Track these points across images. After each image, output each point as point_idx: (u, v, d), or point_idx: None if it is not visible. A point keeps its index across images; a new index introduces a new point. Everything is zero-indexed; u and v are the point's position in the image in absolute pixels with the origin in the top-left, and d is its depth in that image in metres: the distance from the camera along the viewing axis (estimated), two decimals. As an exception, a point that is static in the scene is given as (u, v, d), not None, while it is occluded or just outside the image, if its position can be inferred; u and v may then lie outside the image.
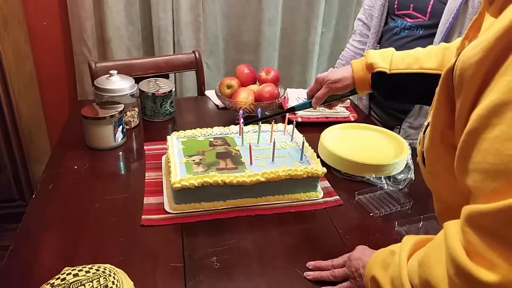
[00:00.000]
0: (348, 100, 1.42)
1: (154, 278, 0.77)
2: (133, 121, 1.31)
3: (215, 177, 0.93)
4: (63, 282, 0.65)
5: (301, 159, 1.03)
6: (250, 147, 1.01)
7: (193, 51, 1.79)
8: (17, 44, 1.88)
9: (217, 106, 1.51)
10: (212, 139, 1.11)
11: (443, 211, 0.67)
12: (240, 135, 1.11)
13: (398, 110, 1.44)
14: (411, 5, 1.32)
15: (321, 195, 1.02)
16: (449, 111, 0.54)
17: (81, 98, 2.13)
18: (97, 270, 0.68)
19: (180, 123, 1.38)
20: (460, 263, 0.46)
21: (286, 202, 0.99)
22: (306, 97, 1.07)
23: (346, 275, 0.76)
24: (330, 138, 1.19)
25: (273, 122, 1.13)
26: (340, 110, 1.41)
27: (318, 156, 1.08)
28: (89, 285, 0.65)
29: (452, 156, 0.52)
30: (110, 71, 1.28)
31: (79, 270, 0.67)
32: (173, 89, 1.38)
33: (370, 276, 0.66)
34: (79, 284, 0.65)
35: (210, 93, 1.59)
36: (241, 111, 1.16)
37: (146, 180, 1.05)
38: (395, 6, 1.37)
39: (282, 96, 1.38)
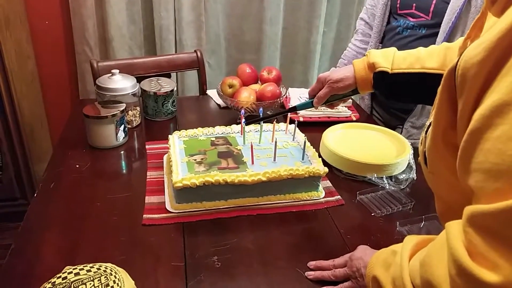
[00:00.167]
0: (350, 100, 1.42)
1: (156, 277, 0.77)
2: (134, 120, 1.31)
3: (216, 176, 0.93)
4: (64, 281, 0.65)
5: (302, 159, 1.03)
6: (251, 146, 1.01)
7: (195, 50, 1.79)
8: (19, 43, 1.88)
9: (218, 105, 1.51)
10: (213, 139, 1.11)
11: (445, 211, 0.67)
12: (241, 134, 1.11)
13: (400, 109, 1.44)
14: (414, 4, 1.31)
15: (323, 194, 1.02)
16: (451, 111, 0.54)
17: (83, 97, 2.13)
18: (98, 269, 0.68)
19: (181, 122, 1.38)
20: (462, 264, 0.46)
21: (287, 201, 0.99)
22: (307, 96, 1.07)
23: (347, 275, 0.75)
24: (331, 137, 1.19)
25: (274, 122, 1.13)
26: (342, 109, 1.40)
27: (319, 156, 1.08)
28: (90, 284, 0.65)
29: (454, 156, 0.52)
30: (112, 70, 1.28)
31: (80, 269, 0.67)
32: (175, 89, 1.38)
33: (372, 276, 0.66)
34: (80, 283, 0.65)
35: (212, 93, 1.59)
36: (242, 111, 1.16)
37: (147, 179, 1.05)
38: (398, 5, 1.37)
39: (284, 95, 1.37)
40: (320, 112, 1.38)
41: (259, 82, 1.43)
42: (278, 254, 0.85)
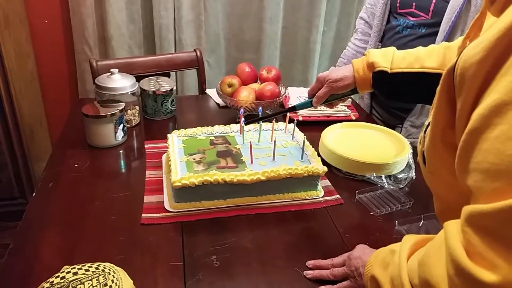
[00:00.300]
0: (350, 99, 1.42)
1: (154, 277, 0.77)
2: (134, 119, 1.31)
3: (215, 175, 0.92)
4: (62, 281, 0.65)
5: (301, 158, 1.03)
6: (250, 145, 1.01)
7: (194, 50, 1.79)
8: (19, 43, 1.88)
9: (218, 104, 1.51)
10: (212, 138, 1.11)
11: (443, 211, 0.67)
12: (240, 133, 1.11)
13: (399, 109, 1.44)
14: (414, 3, 1.31)
15: (322, 194, 1.02)
16: (450, 111, 0.54)
17: (82, 97, 2.13)
18: (97, 268, 0.68)
19: (181, 121, 1.38)
20: (460, 263, 0.46)
21: (286, 201, 0.99)
22: (307, 96, 1.07)
23: (346, 274, 0.75)
24: (331, 137, 1.19)
25: (274, 121, 1.13)
26: (341, 108, 1.40)
27: (318, 155, 1.08)
28: (88, 283, 0.65)
29: (453, 156, 0.52)
30: (111, 70, 1.28)
31: (79, 269, 0.67)
32: (174, 88, 1.38)
33: (370, 275, 0.66)
34: (79, 283, 0.65)
35: (211, 92, 1.58)
36: (242, 110, 1.16)
37: (146, 179, 1.05)
38: (398, 4, 1.37)
39: (283, 94, 1.37)
40: (319, 111, 1.38)
41: (258, 81, 1.43)
42: (276, 253, 0.85)
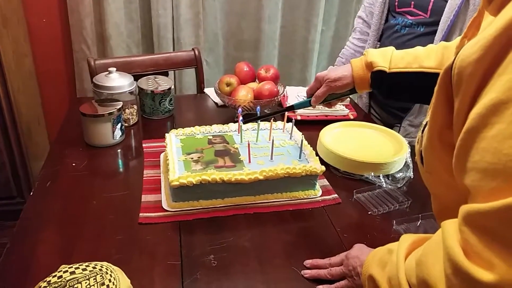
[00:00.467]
0: (348, 98, 1.42)
1: (151, 276, 0.77)
2: (131, 118, 1.30)
3: (213, 175, 0.92)
4: (59, 280, 0.65)
5: (299, 157, 1.03)
6: (248, 145, 1.01)
7: (193, 49, 1.78)
8: (17, 41, 1.87)
9: (216, 104, 1.51)
10: (210, 137, 1.10)
11: (441, 210, 0.67)
12: (239, 133, 1.11)
13: (398, 108, 1.44)
14: (412, 2, 1.31)
15: (320, 193, 1.02)
16: (447, 110, 0.54)
17: (80, 96, 2.13)
18: (94, 268, 0.68)
19: (179, 121, 1.38)
20: (458, 263, 0.46)
21: (284, 200, 0.99)
22: (305, 95, 1.07)
23: (344, 274, 0.75)
24: (329, 136, 1.19)
25: (272, 120, 1.12)
26: (340, 108, 1.40)
27: (317, 154, 1.08)
28: (85, 283, 0.65)
29: (450, 155, 0.52)
30: (109, 68, 1.27)
31: (76, 268, 0.67)
32: (172, 87, 1.37)
33: (368, 275, 0.66)
34: (76, 282, 0.64)
35: (210, 91, 1.58)
36: (240, 109, 1.16)
37: (144, 178, 1.05)
38: (396, 3, 1.37)
39: (282, 94, 1.37)
40: (317, 111, 1.38)
41: (256, 80, 1.43)
42: (274, 252, 0.85)
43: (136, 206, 0.95)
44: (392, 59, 0.93)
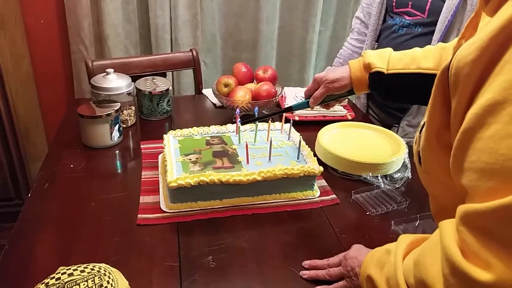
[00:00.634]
0: (346, 99, 1.42)
1: (150, 277, 0.77)
2: (129, 119, 1.30)
3: (211, 176, 0.92)
4: (58, 282, 0.65)
5: (298, 158, 1.03)
6: (246, 146, 1.01)
7: (191, 49, 1.78)
8: (14, 43, 1.87)
9: (214, 104, 1.51)
10: (208, 138, 1.10)
11: (439, 210, 0.67)
12: (237, 134, 1.11)
13: (396, 108, 1.44)
14: (410, 2, 1.31)
15: (318, 194, 1.02)
16: (444, 111, 0.54)
17: (78, 97, 2.12)
18: (92, 269, 0.68)
19: (177, 121, 1.38)
20: (455, 263, 0.46)
21: (282, 201, 0.99)
22: (303, 96, 1.07)
23: (342, 274, 0.75)
24: (327, 136, 1.19)
25: (270, 121, 1.12)
26: (338, 108, 1.40)
27: (315, 155, 1.08)
28: (83, 284, 0.64)
29: (448, 156, 0.52)
30: (107, 70, 1.27)
31: (74, 270, 0.67)
32: (170, 88, 1.37)
33: (366, 275, 0.66)
34: (74, 284, 0.64)
35: (207, 92, 1.58)
36: (238, 110, 1.16)
37: (142, 179, 1.05)
38: (394, 3, 1.37)
39: (280, 94, 1.37)
40: (315, 111, 1.38)
41: (254, 81, 1.43)
42: (273, 253, 0.85)
43: (134, 207, 0.95)
44: (390, 60, 0.93)
